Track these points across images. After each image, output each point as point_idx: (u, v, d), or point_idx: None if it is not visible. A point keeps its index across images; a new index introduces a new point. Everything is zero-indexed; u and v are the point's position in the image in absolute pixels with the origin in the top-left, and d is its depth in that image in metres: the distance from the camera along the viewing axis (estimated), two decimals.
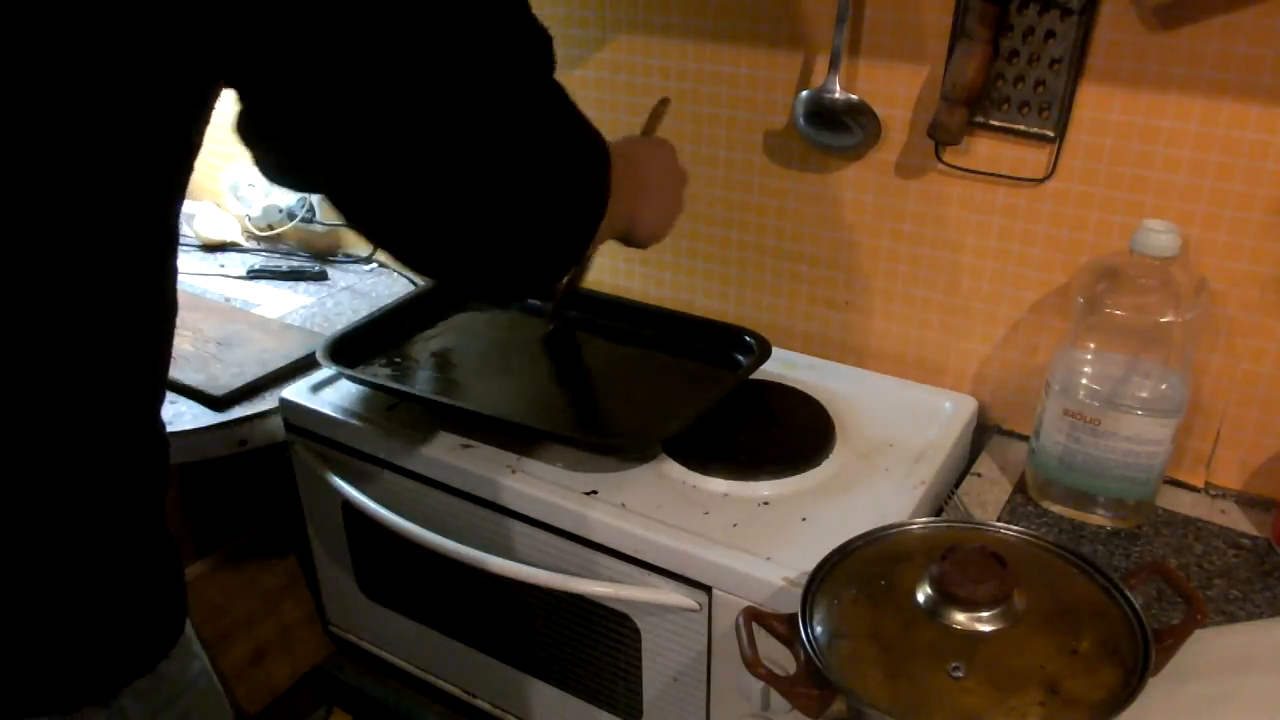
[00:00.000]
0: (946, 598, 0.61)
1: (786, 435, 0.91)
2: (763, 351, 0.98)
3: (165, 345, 0.55)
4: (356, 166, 0.46)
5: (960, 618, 0.61)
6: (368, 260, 1.37)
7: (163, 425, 0.58)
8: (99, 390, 0.51)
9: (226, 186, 1.41)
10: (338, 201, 0.50)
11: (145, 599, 0.58)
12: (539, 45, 0.49)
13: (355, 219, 0.51)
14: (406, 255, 0.53)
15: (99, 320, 0.49)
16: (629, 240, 0.72)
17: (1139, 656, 0.59)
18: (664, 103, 0.94)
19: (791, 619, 0.63)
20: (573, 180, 0.51)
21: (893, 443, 0.91)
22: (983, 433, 1.00)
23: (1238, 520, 0.87)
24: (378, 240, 0.54)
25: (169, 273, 0.54)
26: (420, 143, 0.44)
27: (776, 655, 0.63)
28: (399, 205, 0.48)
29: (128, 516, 0.55)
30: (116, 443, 0.53)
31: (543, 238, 0.50)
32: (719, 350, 1.03)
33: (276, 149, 0.48)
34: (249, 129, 0.48)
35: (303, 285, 1.31)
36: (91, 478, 0.52)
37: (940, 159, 0.94)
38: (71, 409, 0.50)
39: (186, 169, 0.50)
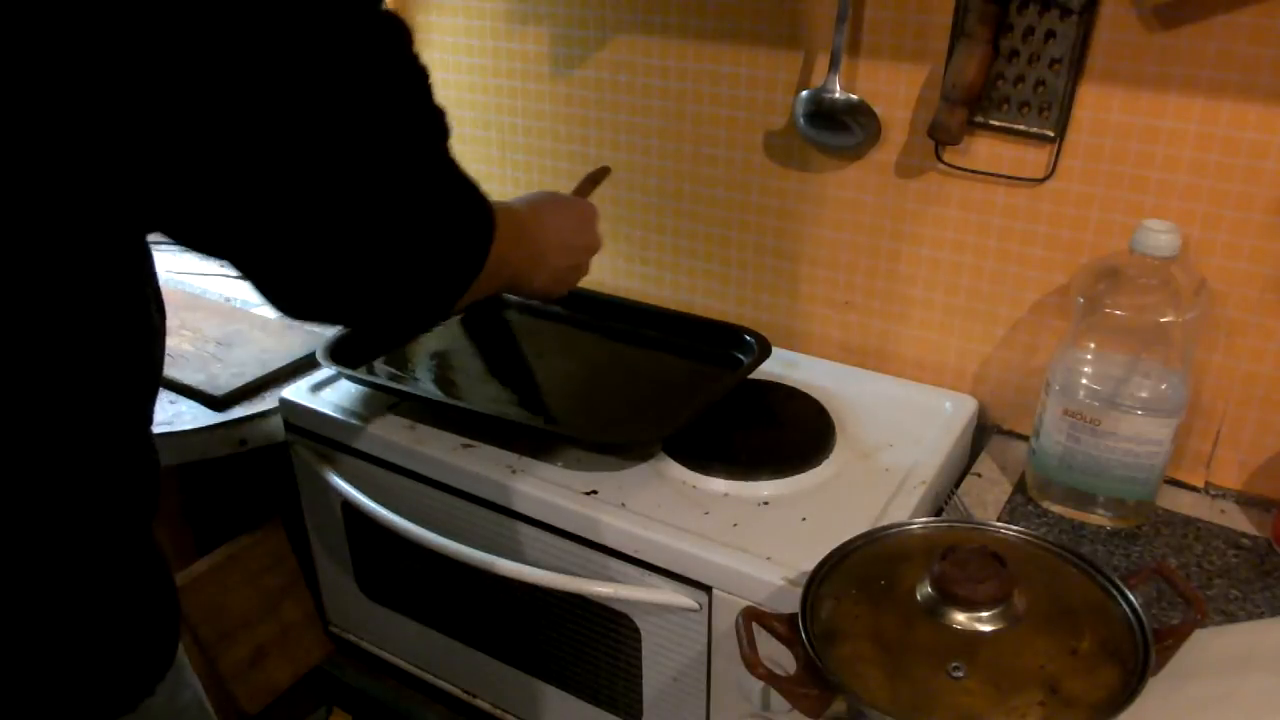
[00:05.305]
0: (946, 598, 0.61)
1: (786, 435, 0.91)
2: (763, 351, 0.98)
3: (150, 358, 0.54)
4: (274, 243, 0.51)
5: (960, 618, 0.61)
6: None
7: (153, 443, 0.56)
8: (82, 403, 0.49)
9: None
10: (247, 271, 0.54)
11: (131, 630, 0.55)
12: (433, 123, 0.56)
13: (261, 281, 0.55)
14: (311, 309, 0.57)
15: (76, 329, 0.47)
16: (516, 293, 0.86)
17: (1139, 656, 0.59)
18: (604, 171, 0.97)
19: (791, 619, 0.63)
20: (455, 236, 0.58)
21: (893, 443, 0.91)
22: (983, 433, 1.00)
23: (1238, 520, 0.87)
24: (282, 298, 0.57)
25: (146, 278, 0.53)
26: (325, 220, 0.50)
27: (776, 655, 0.63)
28: (307, 268, 0.53)
29: (114, 539, 0.53)
30: (105, 458, 0.52)
31: (426, 283, 0.58)
32: (719, 350, 1.03)
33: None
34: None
35: None
36: (76, 494, 0.50)
37: (940, 159, 0.94)
38: (55, 423, 0.48)
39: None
